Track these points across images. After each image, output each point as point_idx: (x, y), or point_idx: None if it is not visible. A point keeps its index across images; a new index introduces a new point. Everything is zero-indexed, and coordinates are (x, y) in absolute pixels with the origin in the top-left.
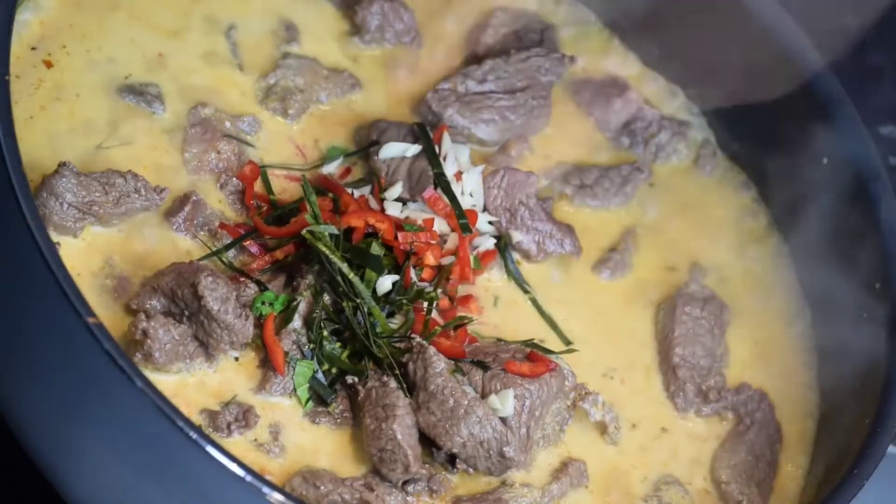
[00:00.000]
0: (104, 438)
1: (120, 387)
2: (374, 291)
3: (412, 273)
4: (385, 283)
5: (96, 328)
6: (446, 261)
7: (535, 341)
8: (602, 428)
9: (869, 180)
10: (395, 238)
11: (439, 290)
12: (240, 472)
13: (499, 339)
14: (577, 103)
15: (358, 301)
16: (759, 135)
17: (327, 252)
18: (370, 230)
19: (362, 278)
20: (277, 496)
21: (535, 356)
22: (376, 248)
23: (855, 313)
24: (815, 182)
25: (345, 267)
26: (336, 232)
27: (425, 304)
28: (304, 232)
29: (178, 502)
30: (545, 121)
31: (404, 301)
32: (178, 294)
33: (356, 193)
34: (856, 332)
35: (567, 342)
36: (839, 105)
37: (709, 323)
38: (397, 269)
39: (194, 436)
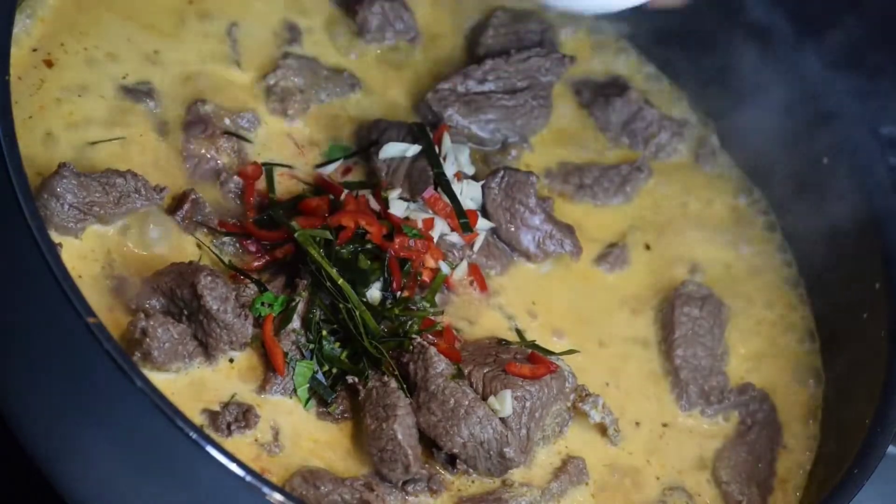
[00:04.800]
0: (104, 438)
1: (120, 387)
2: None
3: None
4: (375, 293)
5: (96, 328)
6: (446, 268)
7: (535, 342)
8: (602, 430)
9: (869, 180)
10: (387, 239)
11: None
12: (240, 472)
13: (500, 340)
14: (577, 103)
15: (349, 305)
16: (759, 135)
17: (317, 258)
18: (360, 230)
19: (354, 283)
20: (277, 496)
21: (535, 357)
22: (363, 262)
23: (855, 313)
24: (815, 182)
25: (334, 273)
26: (329, 237)
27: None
28: (297, 235)
29: (177, 502)
30: (545, 121)
31: (396, 312)
32: (178, 294)
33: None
34: (856, 332)
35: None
36: (839, 105)
37: (708, 323)
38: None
39: (194, 436)
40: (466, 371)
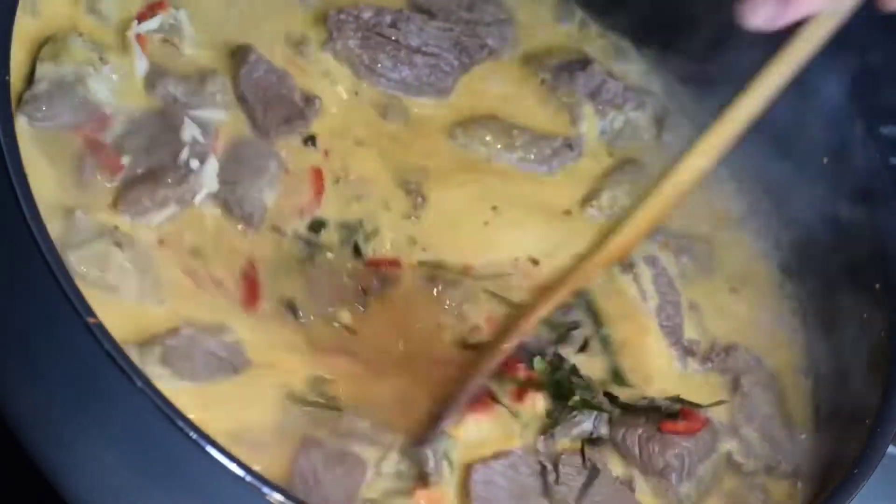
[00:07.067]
0: (104, 438)
1: (120, 387)
2: None
3: None
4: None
5: (96, 328)
6: None
7: (680, 396)
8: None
9: (869, 180)
10: None
11: None
12: (240, 472)
13: (643, 397)
14: (540, 80)
15: None
16: (759, 136)
17: None
18: None
19: None
20: (277, 496)
21: (686, 412)
22: None
23: (855, 313)
24: (815, 182)
25: None
26: None
27: None
28: None
29: (177, 502)
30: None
31: None
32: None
33: None
34: (855, 333)
35: None
36: (839, 105)
37: (666, 277)
38: None
39: (194, 436)
40: (620, 434)
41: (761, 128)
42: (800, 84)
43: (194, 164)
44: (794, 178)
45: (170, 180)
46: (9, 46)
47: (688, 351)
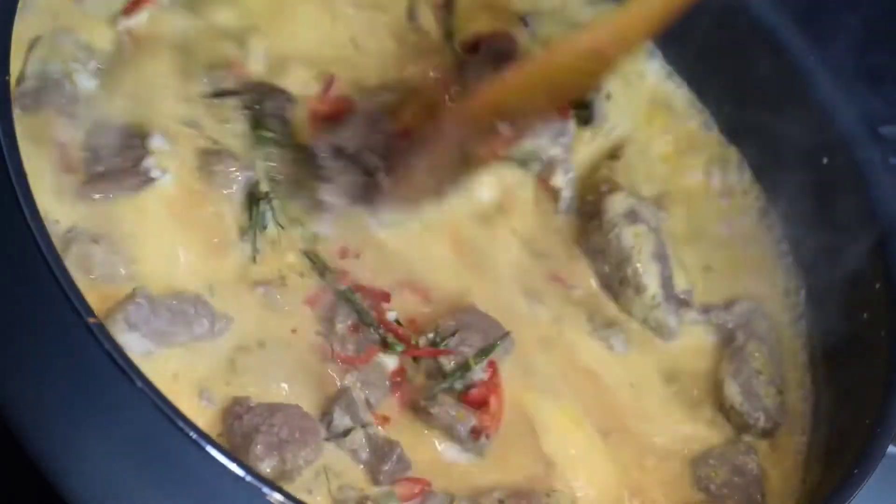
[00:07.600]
0: (104, 438)
1: (120, 387)
2: None
3: None
4: None
5: (96, 328)
6: None
7: None
8: None
9: (868, 180)
10: None
11: None
12: (240, 472)
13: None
14: None
15: None
16: (762, 144)
17: None
18: None
19: None
20: (277, 496)
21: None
22: None
23: (855, 313)
24: (815, 182)
25: None
26: None
27: None
28: None
29: (178, 502)
30: None
31: None
32: None
33: None
34: (855, 333)
35: None
36: (839, 105)
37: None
38: None
39: (194, 436)
40: None
41: (765, 141)
42: (801, 87)
43: (155, 173)
44: (793, 177)
45: (126, 184)
46: (9, 46)
47: (682, 303)
